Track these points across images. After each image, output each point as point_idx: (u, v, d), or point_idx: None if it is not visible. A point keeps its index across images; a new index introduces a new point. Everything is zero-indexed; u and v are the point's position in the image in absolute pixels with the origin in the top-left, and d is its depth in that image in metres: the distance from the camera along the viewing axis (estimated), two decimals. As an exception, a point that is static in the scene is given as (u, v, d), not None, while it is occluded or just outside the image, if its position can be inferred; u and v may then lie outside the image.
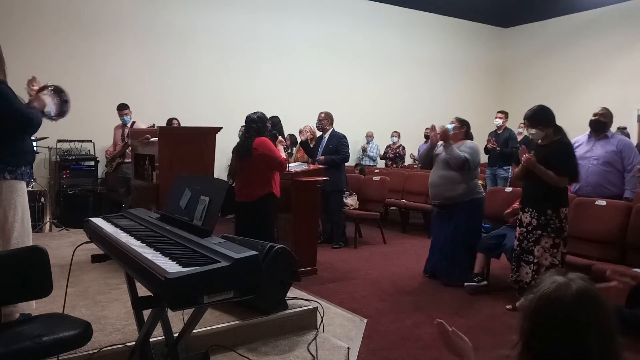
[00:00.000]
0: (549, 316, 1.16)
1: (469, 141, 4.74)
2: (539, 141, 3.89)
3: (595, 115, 4.60)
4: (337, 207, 6.26)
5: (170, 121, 7.50)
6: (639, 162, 4.42)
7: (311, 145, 6.43)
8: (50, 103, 3.11)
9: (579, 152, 4.64)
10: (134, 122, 6.99)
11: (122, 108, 7.02)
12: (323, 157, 6.14)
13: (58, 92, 3.20)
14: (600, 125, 4.56)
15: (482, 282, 4.42)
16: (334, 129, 6.35)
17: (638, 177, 4.34)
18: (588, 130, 4.71)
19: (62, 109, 3.20)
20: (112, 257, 2.07)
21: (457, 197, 4.58)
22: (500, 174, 7.48)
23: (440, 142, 4.67)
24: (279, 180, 4.50)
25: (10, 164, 2.88)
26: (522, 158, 3.81)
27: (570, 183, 3.98)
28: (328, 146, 6.20)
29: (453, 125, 4.73)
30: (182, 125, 7.29)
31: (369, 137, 10.34)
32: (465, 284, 4.42)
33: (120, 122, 7.08)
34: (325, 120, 6.33)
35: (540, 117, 3.83)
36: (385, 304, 4.09)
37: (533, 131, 3.85)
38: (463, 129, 4.76)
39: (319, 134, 6.55)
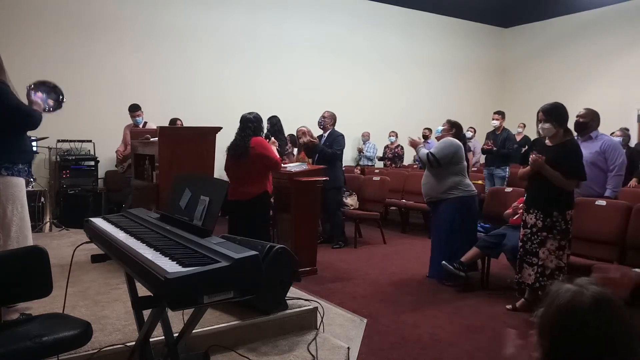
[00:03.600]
0: (568, 326, 1.14)
1: (445, 138, 4.81)
2: (547, 141, 3.81)
3: (576, 116, 4.58)
4: (334, 206, 6.25)
5: (174, 121, 7.47)
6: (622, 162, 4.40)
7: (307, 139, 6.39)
8: (40, 100, 3.17)
9: None
10: (145, 123, 6.97)
11: (135, 109, 6.95)
12: (317, 140, 6.28)
13: (38, 86, 3.25)
14: (580, 125, 4.55)
15: (460, 273, 4.34)
16: (334, 129, 6.43)
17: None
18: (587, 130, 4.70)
19: (57, 98, 3.26)
20: (112, 257, 2.07)
21: (440, 195, 4.66)
22: (498, 173, 7.57)
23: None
24: (271, 178, 4.68)
25: (7, 161, 2.94)
26: (530, 159, 3.73)
27: (578, 186, 3.93)
28: (325, 144, 6.30)
29: (442, 127, 4.91)
30: (185, 125, 7.28)
31: (365, 137, 10.36)
32: (443, 262, 4.42)
33: (132, 122, 7.02)
34: (329, 119, 6.45)
35: (557, 112, 3.75)
36: (385, 304, 4.09)
37: (546, 125, 3.73)
38: (451, 131, 4.84)
39: (319, 131, 6.58)
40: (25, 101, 3.10)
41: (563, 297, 1.16)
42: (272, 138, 5.39)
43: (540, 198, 3.76)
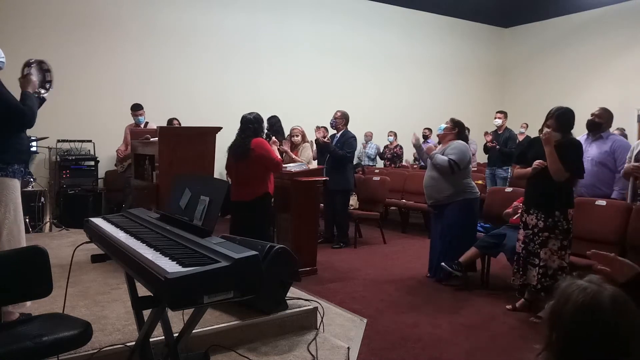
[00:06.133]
0: (589, 325, 1.14)
1: (455, 141, 4.70)
2: None
3: (591, 115, 4.52)
4: (341, 208, 6.24)
5: (170, 121, 7.49)
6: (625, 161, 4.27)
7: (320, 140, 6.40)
8: (36, 80, 3.12)
9: None
10: (147, 123, 6.97)
11: (137, 108, 6.96)
12: (329, 140, 6.26)
13: (39, 63, 3.22)
14: (595, 125, 4.48)
15: (457, 273, 4.37)
16: (347, 129, 6.34)
17: (624, 177, 4.20)
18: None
19: (47, 79, 3.22)
20: (112, 257, 2.07)
21: (447, 198, 4.60)
22: (500, 173, 7.54)
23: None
24: (273, 179, 4.62)
25: (1, 162, 2.85)
26: (542, 135, 3.71)
27: (575, 183, 3.91)
28: (337, 145, 6.23)
29: (445, 125, 4.82)
30: (182, 125, 7.28)
31: (368, 137, 10.37)
32: (442, 263, 4.42)
33: (133, 122, 7.02)
34: (341, 119, 6.34)
35: (567, 121, 3.74)
36: (385, 304, 4.09)
37: (555, 134, 3.71)
38: (454, 130, 4.76)
39: (332, 132, 6.56)
40: (15, 93, 3.05)
41: (582, 294, 1.16)
42: (273, 137, 5.30)
43: (542, 198, 3.74)
